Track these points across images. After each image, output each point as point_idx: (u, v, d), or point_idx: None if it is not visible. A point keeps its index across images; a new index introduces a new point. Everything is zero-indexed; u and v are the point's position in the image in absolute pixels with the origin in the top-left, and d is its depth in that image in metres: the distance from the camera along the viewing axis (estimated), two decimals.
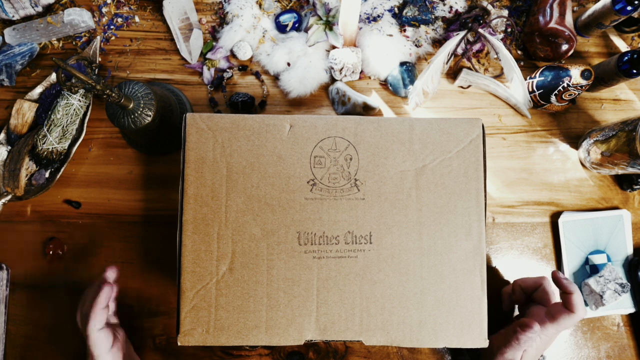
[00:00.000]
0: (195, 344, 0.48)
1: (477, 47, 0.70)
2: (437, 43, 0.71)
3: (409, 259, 0.50)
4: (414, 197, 0.51)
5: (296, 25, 0.70)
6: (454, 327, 0.50)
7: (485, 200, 0.51)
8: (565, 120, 0.70)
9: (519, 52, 0.72)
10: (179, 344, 0.48)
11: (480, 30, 0.66)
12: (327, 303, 0.49)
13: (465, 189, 0.51)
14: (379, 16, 0.70)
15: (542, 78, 0.66)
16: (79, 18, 0.67)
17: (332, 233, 0.50)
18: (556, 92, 0.64)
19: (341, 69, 0.67)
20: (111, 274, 0.56)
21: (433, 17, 0.70)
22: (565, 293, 0.54)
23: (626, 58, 0.62)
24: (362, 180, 0.51)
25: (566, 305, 0.53)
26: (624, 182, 0.68)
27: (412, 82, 0.67)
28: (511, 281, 0.66)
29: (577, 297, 0.53)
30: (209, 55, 0.69)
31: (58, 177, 0.65)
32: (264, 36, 0.69)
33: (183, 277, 0.49)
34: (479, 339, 0.50)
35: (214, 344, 0.48)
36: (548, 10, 0.67)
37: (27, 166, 0.64)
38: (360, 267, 0.50)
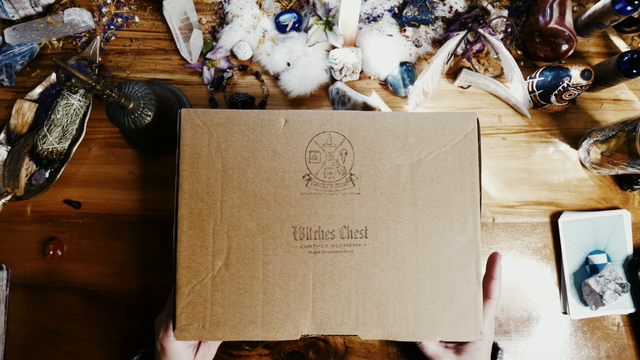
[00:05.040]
0: (191, 339, 0.48)
1: (477, 47, 0.70)
2: (437, 43, 0.71)
3: (404, 253, 0.50)
4: (410, 191, 0.51)
5: (296, 25, 0.70)
6: (450, 321, 0.50)
7: (481, 194, 0.51)
8: (565, 120, 0.70)
9: (519, 52, 0.72)
10: (175, 339, 0.48)
11: (480, 30, 0.66)
12: (323, 298, 0.49)
13: (461, 182, 0.51)
14: (379, 16, 0.70)
15: (542, 78, 0.66)
16: (79, 18, 0.67)
17: (327, 228, 0.50)
18: (556, 92, 0.64)
19: (341, 69, 0.67)
20: None
21: (433, 17, 0.70)
22: (488, 277, 0.55)
23: (626, 58, 0.62)
24: (357, 175, 0.51)
25: (485, 290, 0.53)
26: (624, 182, 0.68)
27: (412, 82, 0.67)
28: (510, 280, 0.66)
29: (496, 283, 0.55)
30: (209, 55, 0.69)
31: (58, 177, 0.65)
32: (264, 36, 0.69)
33: (179, 272, 0.49)
34: (475, 333, 0.50)
35: (209, 339, 0.48)
36: (548, 10, 0.67)
37: (27, 166, 0.64)
38: (356, 262, 0.50)
